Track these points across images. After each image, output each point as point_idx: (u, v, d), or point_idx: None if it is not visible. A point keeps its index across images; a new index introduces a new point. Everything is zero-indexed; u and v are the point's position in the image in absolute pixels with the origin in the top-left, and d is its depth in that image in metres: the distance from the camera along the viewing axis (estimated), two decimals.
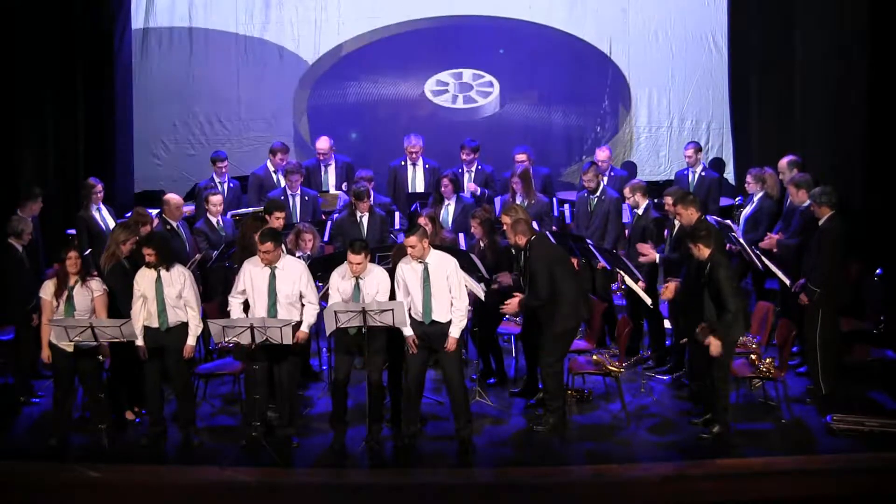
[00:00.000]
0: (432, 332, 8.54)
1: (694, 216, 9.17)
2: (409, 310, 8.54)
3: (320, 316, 8.71)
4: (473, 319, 10.00)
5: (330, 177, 12.46)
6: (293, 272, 8.67)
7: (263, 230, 8.68)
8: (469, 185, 11.93)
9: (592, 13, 13.73)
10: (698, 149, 12.18)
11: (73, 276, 8.68)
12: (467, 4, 13.78)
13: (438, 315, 8.52)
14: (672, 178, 12.55)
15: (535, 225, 9.77)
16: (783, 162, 10.80)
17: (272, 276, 8.61)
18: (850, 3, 11.33)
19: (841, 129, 11.43)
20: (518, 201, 10.93)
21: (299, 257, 9.46)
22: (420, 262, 8.49)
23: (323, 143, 12.44)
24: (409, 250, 8.45)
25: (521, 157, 11.98)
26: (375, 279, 8.57)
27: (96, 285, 8.78)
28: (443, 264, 8.53)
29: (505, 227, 9.23)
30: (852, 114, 11.33)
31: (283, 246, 9.03)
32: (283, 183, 11.71)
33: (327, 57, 13.79)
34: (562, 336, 8.91)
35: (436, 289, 8.49)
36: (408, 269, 8.54)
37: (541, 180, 11.98)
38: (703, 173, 12.06)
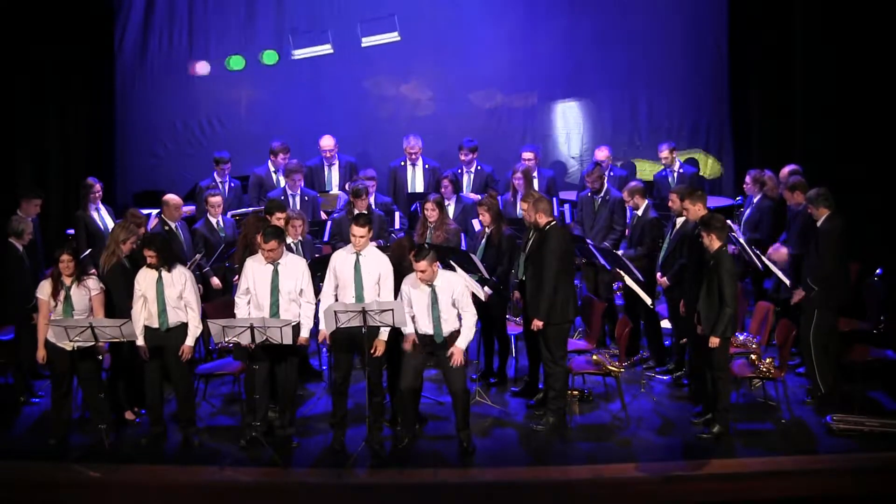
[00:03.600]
0: (439, 346, 8.56)
1: (702, 211, 9.18)
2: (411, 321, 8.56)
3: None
4: (480, 319, 10.04)
5: (334, 176, 12.46)
6: (295, 269, 8.69)
7: (267, 229, 8.68)
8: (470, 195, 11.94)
9: (592, 13, 13.77)
10: (672, 148, 12.20)
11: (67, 278, 8.68)
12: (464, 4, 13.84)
13: (447, 332, 8.55)
14: None
15: None
16: (784, 172, 10.80)
17: (275, 273, 8.62)
18: (850, 3, 11.34)
19: (840, 129, 11.43)
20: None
21: (289, 244, 9.47)
22: (427, 285, 8.50)
23: (327, 142, 12.44)
24: (420, 275, 8.42)
25: (527, 154, 12.00)
26: (376, 261, 8.60)
27: (93, 284, 8.79)
28: (449, 286, 8.52)
29: (525, 210, 9.26)
30: (852, 113, 11.33)
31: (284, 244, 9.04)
32: (283, 183, 11.70)
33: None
34: (561, 334, 8.95)
35: (444, 310, 8.50)
36: (415, 292, 8.52)
37: (545, 182, 11.99)
38: (681, 170, 12.12)
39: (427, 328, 8.53)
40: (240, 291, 8.78)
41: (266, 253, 8.58)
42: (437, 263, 8.51)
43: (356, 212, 10.76)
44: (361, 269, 8.59)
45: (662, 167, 12.32)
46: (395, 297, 8.58)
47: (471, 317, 8.57)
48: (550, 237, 8.92)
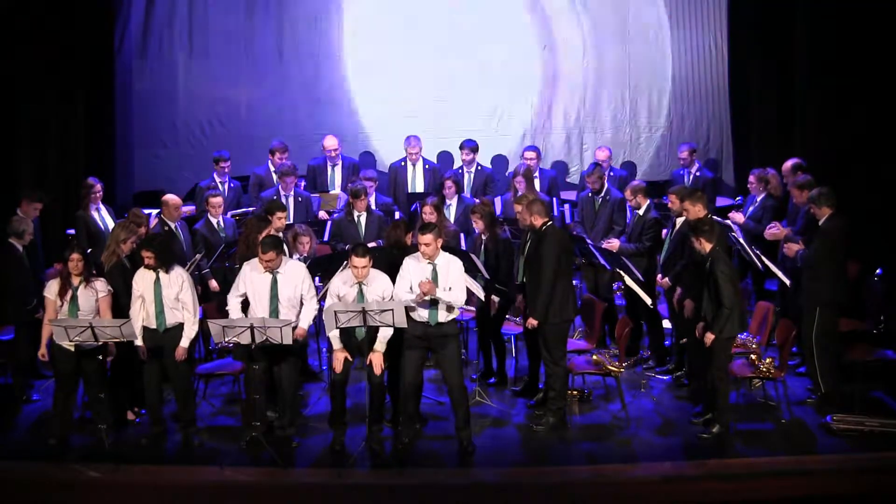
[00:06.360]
0: (434, 333, 8.54)
1: (702, 213, 9.18)
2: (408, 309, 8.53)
3: (321, 315, 8.72)
4: (476, 319, 10.03)
5: (336, 176, 12.46)
6: (295, 276, 8.66)
7: (265, 239, 8.64)
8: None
9: (591, 13, 13.79)
10: (693, 150, 12.26)
11: (75, 278, 8.69)
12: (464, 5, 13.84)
13: (443, 317, 8.53)
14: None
15: None
16: (787, 165, 10.79)
17: (274, 282, 8.61)
18: (850, 4, 11.33)
19: (841, 129, 11.42)
20: None
21: (296, 259, 9.46)
22: (429, 263, 8.49)
23: (331, 142, 12.45)
24: (423, 248, 8.42)
25: (529, 154, 12.04)
26: (381, 286, 8.55)
27: (101, 286, 8.79)
28: (448, 267, 8.52)
29: (518, 212, 9.23)
30: (852, 114, 11.32)
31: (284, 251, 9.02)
32: None
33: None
34: (560, 333, 8.96)
35: (441, 292, 8.47)
36: (416, 268, 8.52)
37: (547, 181, 12.01)
38: (697, 173, 12.16)
39: (422, 312, 8.52)
40: (235, 293, 8.75)
41: (264, 263, 8.56)
42: (441, 241, 8.50)
43: (355, 212, 10.80)
44: (366, 296, 8.52)
45: (680, 166, 12.36)
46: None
47: (458, 294, 8.50)
48: (547, 238, 8.92)
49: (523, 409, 9.48)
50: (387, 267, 8.69)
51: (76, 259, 8.66)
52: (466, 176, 12.23)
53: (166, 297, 8.68)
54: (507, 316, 10.00)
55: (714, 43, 13.68)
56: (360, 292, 8.51)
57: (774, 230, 9.97)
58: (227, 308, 8.79)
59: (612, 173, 12.06)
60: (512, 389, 9.84)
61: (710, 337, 8.53)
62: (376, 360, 8.48)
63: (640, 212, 10.37)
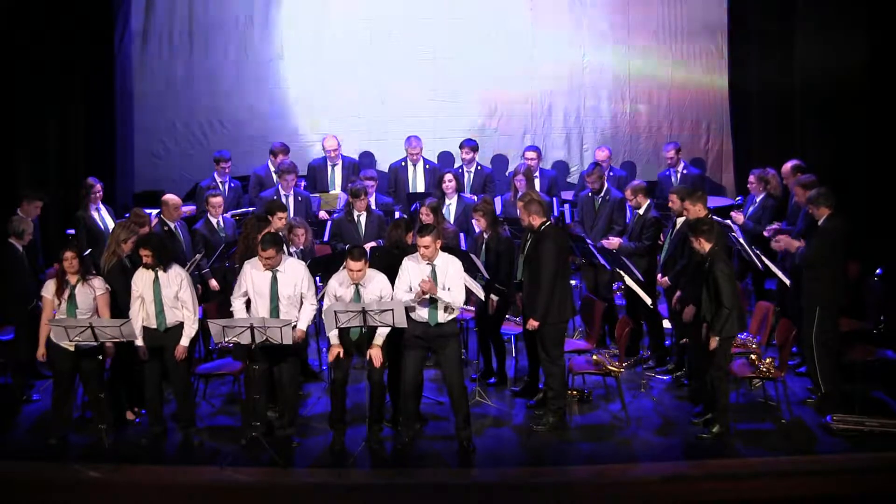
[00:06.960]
0: (434, 333, 8.55)
1: (702, 212, 9.19)
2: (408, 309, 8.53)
3: (321, 315, 8.71)
4: (476, 319, 10.03)
5: (336, 176, 12.47)
6: (294, 274, 8.66)
7: (264, 237, 8.65)
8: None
9: (591, 13, 13.79)
10: (678, 149, 12.26)
11: (72, 276, 8.69)
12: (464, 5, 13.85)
13: (443, 317, 8.53)
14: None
15: None
16: (787, 167, 10.76)
17: (274, 280, 8.61)
18: (851, 3, 11.34)
19: (841, 129, 11.43)
20: None
21: (292, 252, 9.46)
22: (428, 264, 8.50)
23: (331, 142, 12.46)
24: (423, 250, 8.44)
25: (530, 154, 12.05)
26: (378, 285, 8.55)
27: (99, 284, 8.79)
28: (447, 267, 8.53)
29: (519, 211, 9.27)
30: (852, 114, 11.33)
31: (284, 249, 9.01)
32: None
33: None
34: (558, 333, 8.96)
35: (441, 292, 8.48)
36: (415, 269, 8.53)
37: (547, 181, 12.02)
38: (684, 171, 12.17)
39: (422, 313, 8.52)
40: (237, 293, 8.76)
41: (264, 261, 8.56)
42: (440, 242, 8.51)
43: (355, 212, 10.80)
44: (363, 296, 8.52)
45: (667, 166, 12.37)
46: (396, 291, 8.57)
47: (457, 294, 8.51)
48: (545, 238, 8.92)
49: (523, 409, 9.47)
50: (387, 267, 8.69)
51: (70, 257, 8.66)
52: (466, 176, 12.23)
53: (165, 297, 8.69)
54: (507, 316, 10.00)
55: (714, 43, 13.68)
56: (357, 293, 8.52)
57: (780, 245, 9.86)
58: (231, 309, 8.77)
59: (612, 173, 12.06)
60: (512, 389, 9.84)
61: (714, 341, 8.52)
62: (375, 353, 8.48)
63: (640, 211, 10.37)
